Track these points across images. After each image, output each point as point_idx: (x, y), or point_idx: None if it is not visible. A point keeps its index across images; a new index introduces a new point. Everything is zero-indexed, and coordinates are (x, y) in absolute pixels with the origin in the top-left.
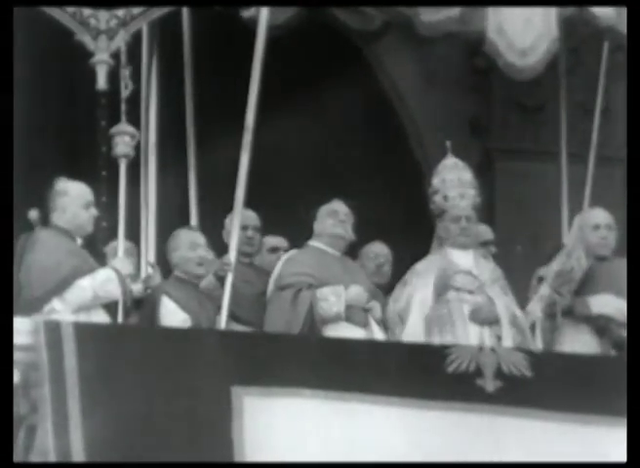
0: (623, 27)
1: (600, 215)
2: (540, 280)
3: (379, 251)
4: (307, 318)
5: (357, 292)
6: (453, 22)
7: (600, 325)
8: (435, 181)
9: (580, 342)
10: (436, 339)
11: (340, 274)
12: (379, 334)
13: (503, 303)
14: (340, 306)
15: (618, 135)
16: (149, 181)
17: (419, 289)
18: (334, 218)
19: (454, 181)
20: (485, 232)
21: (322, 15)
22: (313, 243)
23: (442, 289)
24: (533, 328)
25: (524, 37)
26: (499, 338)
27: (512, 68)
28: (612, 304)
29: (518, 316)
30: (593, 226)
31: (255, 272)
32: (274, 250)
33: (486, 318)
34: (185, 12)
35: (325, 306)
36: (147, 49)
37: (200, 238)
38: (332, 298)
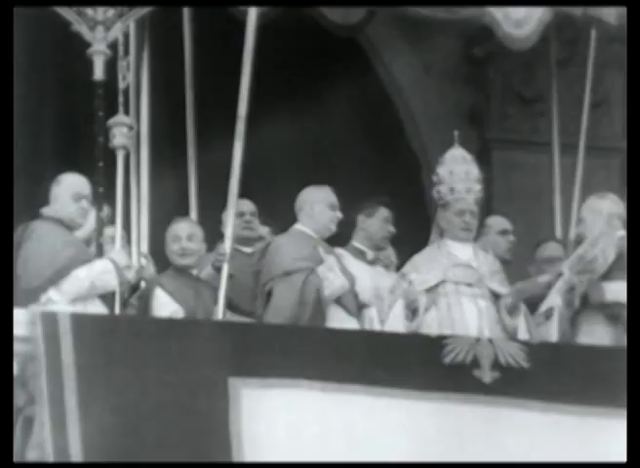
0: (609, 17)
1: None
2: (560, 275)
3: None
4: (315, 301)
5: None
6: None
7: (614, 312)
8: (442, 171)
9: (595, 332)
10: (433, 330)
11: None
12: (377, 325)
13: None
14: (340, 276)
15: (614, 125)
16: (142, 172)
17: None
18: (332, 211)
19: (461, 175)
20: (502, 222)
21: (304, 9)
22: (300, 227)
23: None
24: (548, 316)
25: (518, 8)
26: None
27: (509, 38)
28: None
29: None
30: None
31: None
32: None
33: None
34: (186, 7)
35: (328, 284)
36: (137, 41)
37: (184, 229)
38: (330, 275)
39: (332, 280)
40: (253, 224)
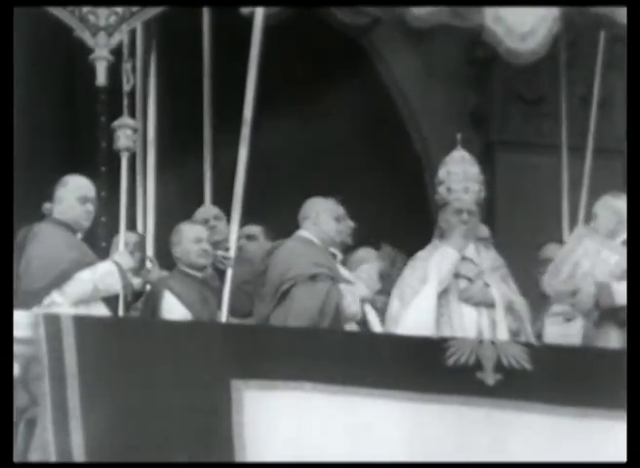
0: (620, 17)
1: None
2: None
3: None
4: (335, 313)
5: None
6: (444, 13)
7: (622, 317)
8: (441, 173)
9: (610, 335)
10: (433, 327)
11: (336, 267)
12: (376, 325)
13: (500, 290)
14: (357, 303)
15: (617, 127)
16: (148, 175)
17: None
18: (337, 222)
19: (459, 174)
20: (481, 230)
21: (310, 12)
22: (305, 234)
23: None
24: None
25: (523, 21)
26: (494, 323)
27: (513, 54)
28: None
29: (516, 303)
30: None
31: (241, 264)
32: (250, 237)
33: (474, 297)
34: (206, 10)
35: (346, 304)
36: (143, 45)
37: (203, 231)
38: (349, 297)
39: (349, 302)
40: (219, 227)
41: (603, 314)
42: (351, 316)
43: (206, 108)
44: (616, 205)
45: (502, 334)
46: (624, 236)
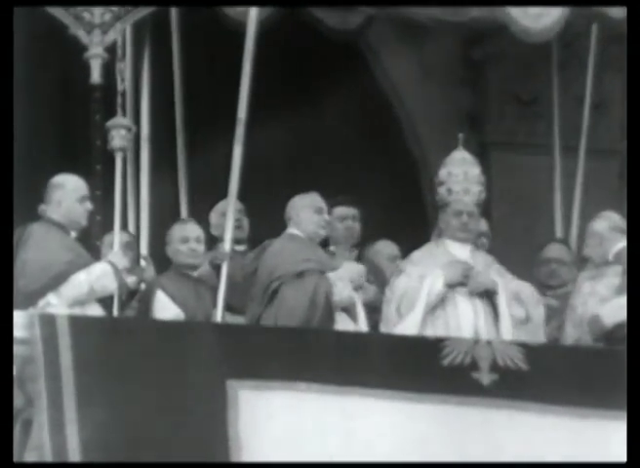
0: (612, 11)
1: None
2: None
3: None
4: (326, 305)
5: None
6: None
7: (620, 335)
8: (441, 173)
9: None
10: (429, 330)
11: (327, 259)
12: (363, 323)
13: (501, 282)
14: (349, 288)
15: (613, 127)
16: (142, 174)
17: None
18: (319, 215)
19: (459, 176)
20: (480, 224)
21: (302, 14)
22: (293, 231)
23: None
24: None
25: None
26: (497, 315)
27: (527, 32)
28: (622, 306)
29: (521, 290)
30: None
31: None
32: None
33: (482, 285)
34: (174, 10)
35: (337, 291)
36: (134, 43)
37: (192, 231)
38: (339, 283)
39: (341, 289)
40: (242, 223)
41: (607, 341)
42: (345, 301)
43: (178, 109)
44: (595, 229)
45: (506, 325)
46: (613, 250)
